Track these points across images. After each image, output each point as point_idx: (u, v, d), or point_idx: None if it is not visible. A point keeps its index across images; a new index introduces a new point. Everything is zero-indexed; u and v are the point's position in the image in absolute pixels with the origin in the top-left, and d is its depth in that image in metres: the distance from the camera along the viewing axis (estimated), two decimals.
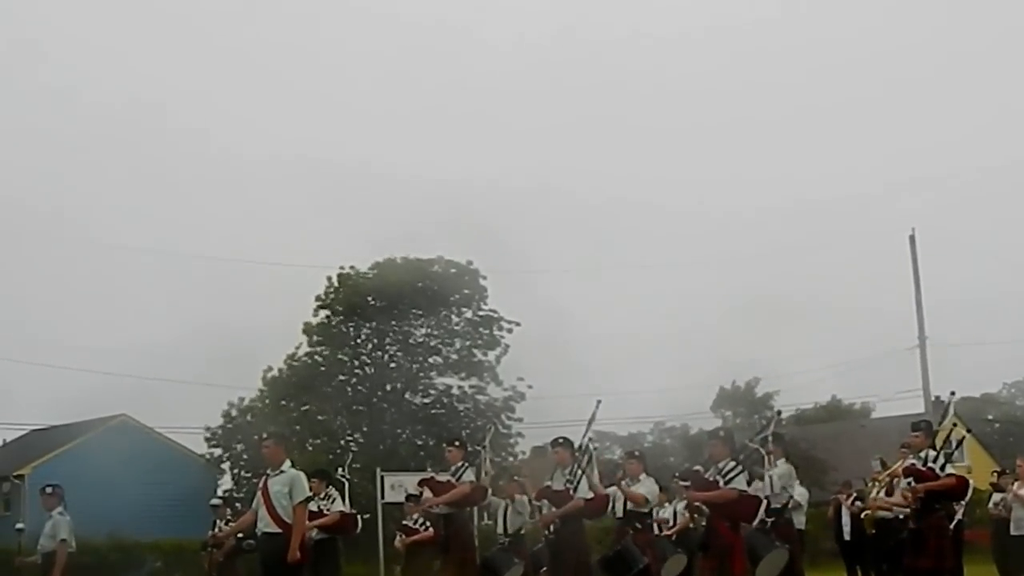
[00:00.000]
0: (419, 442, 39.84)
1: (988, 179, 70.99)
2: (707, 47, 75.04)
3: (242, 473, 40.34)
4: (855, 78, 73.88)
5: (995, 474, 20.28)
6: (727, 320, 55.20)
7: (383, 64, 68.06)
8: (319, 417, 40.26)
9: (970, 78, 74.38)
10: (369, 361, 41.73)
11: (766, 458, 13.18)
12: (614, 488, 14.70)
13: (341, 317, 41.08)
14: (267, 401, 40.95)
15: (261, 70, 66.67)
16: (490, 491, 15.35)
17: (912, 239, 37.67)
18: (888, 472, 16.31)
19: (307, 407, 40.32)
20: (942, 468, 12.26)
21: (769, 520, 12.89)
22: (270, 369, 40.97)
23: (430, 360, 41.95)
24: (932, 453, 12.47)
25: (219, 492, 37.26)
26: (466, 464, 14.78)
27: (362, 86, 67.35)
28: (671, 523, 16.97)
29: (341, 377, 41.31)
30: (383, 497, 26.77)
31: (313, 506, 14.82)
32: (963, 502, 13.48)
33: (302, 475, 12.44)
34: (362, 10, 67.87)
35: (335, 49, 69.54)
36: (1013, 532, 17.58)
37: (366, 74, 70.83)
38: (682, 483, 15.33)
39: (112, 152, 62.46)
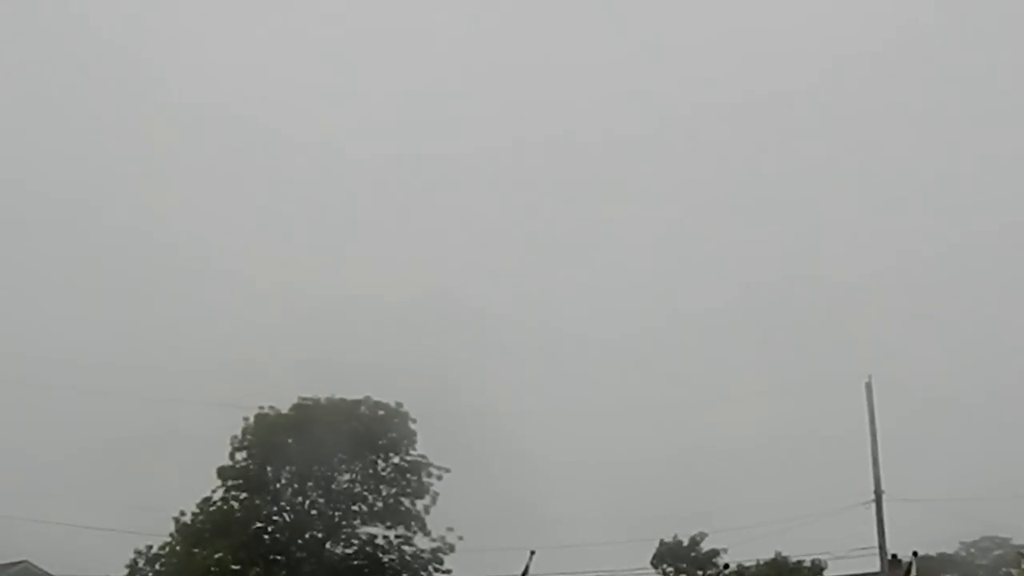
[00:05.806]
0: None
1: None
2: None
3: None
4: None
5: None
6: (672, 470, 53.08)
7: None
8: (233, 567, 37.90)
9: None
10: (288, 507, 39.44)
11: None
12: None
13: (259, 460, 39.02)
14: (177, 548, 38.48)
15: None
16: None
17: (868, 387, 36.11)
18: None
19: (220, 555, 37.82)
20: None
21: None
22: (183, 514, 38.59)
23: (354, 508, 39.68)
24: None
25: None
26: None
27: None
28: None
29: (258, 524, 38.97)
30: None
31: None
32: None
33: None
34: None
35: None
36: None
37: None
38: None
39: None
